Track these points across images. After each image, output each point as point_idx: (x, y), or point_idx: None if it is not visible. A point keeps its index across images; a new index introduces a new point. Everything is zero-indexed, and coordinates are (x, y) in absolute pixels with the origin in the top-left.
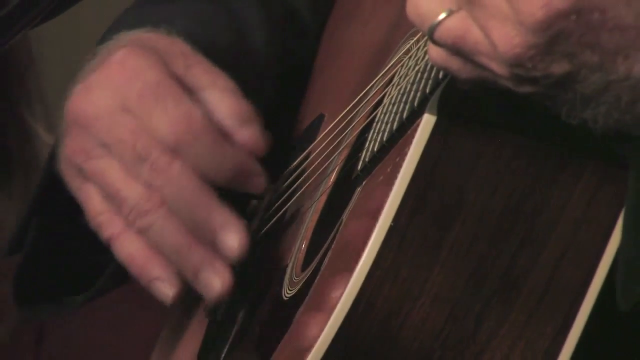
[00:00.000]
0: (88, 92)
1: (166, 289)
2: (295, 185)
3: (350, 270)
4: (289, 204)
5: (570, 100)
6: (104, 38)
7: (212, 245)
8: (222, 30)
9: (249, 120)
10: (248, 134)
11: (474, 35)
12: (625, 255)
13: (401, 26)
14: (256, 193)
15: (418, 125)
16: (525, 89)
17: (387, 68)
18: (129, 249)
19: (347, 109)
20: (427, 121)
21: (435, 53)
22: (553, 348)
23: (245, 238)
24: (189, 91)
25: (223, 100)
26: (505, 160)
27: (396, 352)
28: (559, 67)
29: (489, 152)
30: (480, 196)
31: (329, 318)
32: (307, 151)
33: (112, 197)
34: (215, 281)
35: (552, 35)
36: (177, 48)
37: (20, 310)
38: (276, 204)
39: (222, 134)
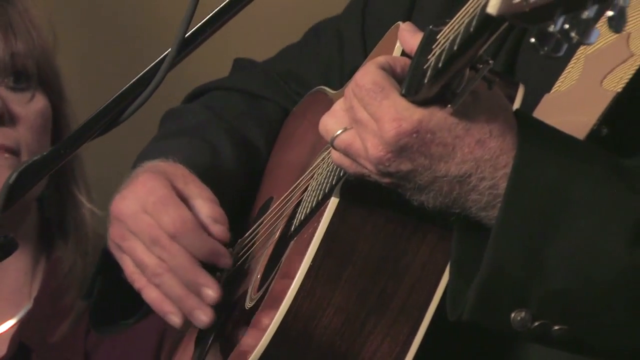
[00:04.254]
0: (123, 200)
1: (175, 319)
2: (254, 240)
3: (286, 291)
4: (250, 250)
5: (411, 188)
6: (135, 164)
7: (199, 294)
8: (204, 154)
9: (219, 221)
10: (218, 229)
11: (357, 144)
12: (449, 287)
13: (319, 145)
14: (222, 264)
15: (327, 204)
16: (386, 180)
17: (310, 169)
18: (151, 296)
19: (286, 193)
20: (333, 201)
21: (335, 155)
22: (408, 340)
23: (217, 291)
24: (185, 199)
25: (205, 206)
26: (381, 225)
27: (314, 343)
28: (404, 166)
29: (371, 220)
30: (365, 248)
31: (273, 320)
32: (262, 219)
33: (138, 264)
34: (203, 317)
35: (401, 145)
36: (179, 171)
37: (96, 332)
38: (242, 251)
39: (204, 228)
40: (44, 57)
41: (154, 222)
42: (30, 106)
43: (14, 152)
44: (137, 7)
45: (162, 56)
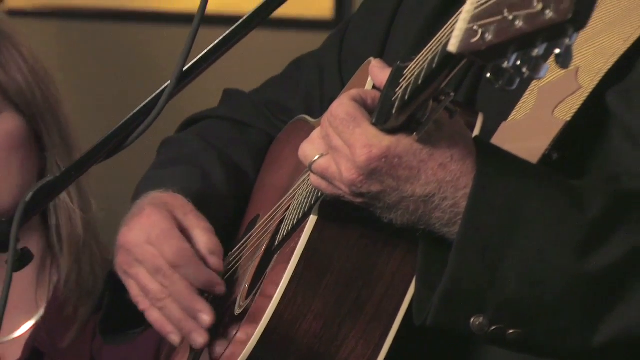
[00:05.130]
0: (129, 231)
1: (175, 338)
2: (242, 253)
3: (271, 299)
4: (239, 262)
5: (381, 207)
6: (136, 194)
7: (195, 319)
8: (198, 181)
9: (214, 252)
10: (214, 261)
11: (332, 169)
12: (415, 296)
13: (300, 168)
14: (217, 292)
15: (307, 221)
16: (358, 200)
17: (292, 190)
18: (153, 317)
19: (271, 212)
20: (312, 219)
21: (313, 178)
22: (380, 343)
23: (212, 316)
24: (185, 229)
25: (202, 237)
26: (355, 240)
27: (295, 345)
28: (375, 187)
29: (346, 236)
30: (341, 260)
31: (259, 324)
32: (249, 234)
33: (142, 289)
34: (199, 339)
35: (372, 169)
36: (178, 202)
37: (107, 343)
38: (232, 263)
39: (200, 258)
40: (16, 85)
41: (157, 252)
42: None
43: None
44: (142, 46)
45: (162, 88)
